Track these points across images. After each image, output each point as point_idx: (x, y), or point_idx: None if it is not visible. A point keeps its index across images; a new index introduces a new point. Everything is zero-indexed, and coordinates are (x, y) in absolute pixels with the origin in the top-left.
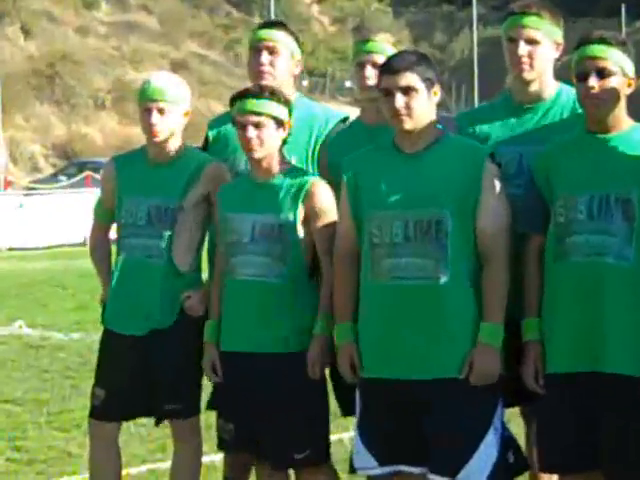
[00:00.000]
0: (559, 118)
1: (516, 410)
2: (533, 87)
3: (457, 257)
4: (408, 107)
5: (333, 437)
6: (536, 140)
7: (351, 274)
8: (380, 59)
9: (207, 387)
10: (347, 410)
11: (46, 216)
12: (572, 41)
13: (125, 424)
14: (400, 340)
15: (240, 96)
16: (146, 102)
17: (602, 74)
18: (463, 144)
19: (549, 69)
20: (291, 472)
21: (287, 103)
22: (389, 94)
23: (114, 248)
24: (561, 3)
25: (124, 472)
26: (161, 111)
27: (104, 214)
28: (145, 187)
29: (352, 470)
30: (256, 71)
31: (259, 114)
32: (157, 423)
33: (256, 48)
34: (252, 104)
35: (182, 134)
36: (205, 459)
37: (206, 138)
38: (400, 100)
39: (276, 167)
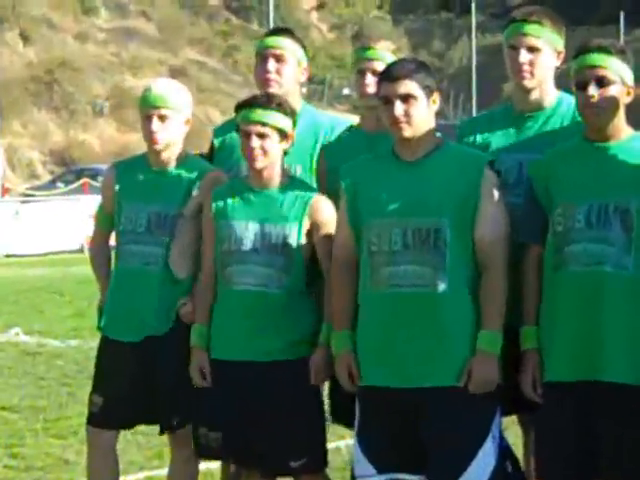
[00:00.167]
0: (559, 126)
1: (513, 418)
2: (534, 95)
3: (455, 265)
4: (407, 115)
5: (330, 445)
6: (536, 148)
7: (349, 282)
8: (380, 67)
9: None
10: (338, 417)
11: (43, 223)
12: (571, 49)
13: (122, 431)
14: (399, 348)
15: (247, 105)
16: (147, 109)
17: (602, 83)
18: (462, 152)
19: (550, 77)
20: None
21: (292, 114)
22: (388, 102)
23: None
24: (560, 11)
25: (121, 479)
26: (162, 118)
27: (105, 220)
28: (145, 194)
29: (353, 478)
30: (263, 79)
31: (264, 125)
32: (161, 432)
33: (263, 55)
34: (258, 114)
35: (183, 141)
36: (202, 466)
37: (211, 145)
38: (399, 108)
39: (277, 178)
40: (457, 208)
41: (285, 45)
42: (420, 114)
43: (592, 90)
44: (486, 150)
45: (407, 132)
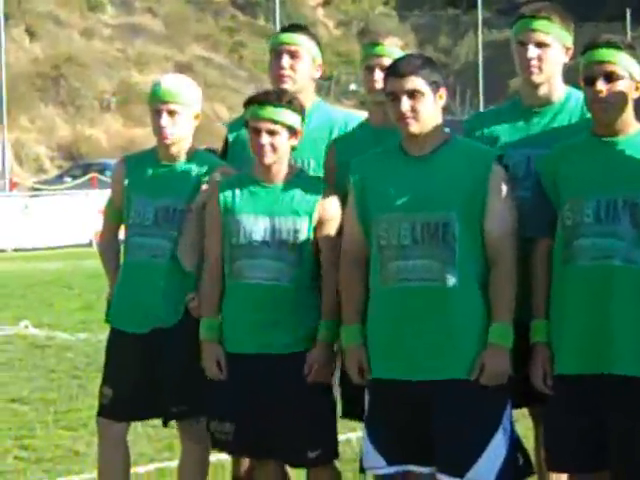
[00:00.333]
0: (567, 122)
1: (523, 411)
2: (542, 90)
3: (464, 259)
4: (414, 110)
5: (341, 437)
6: (544, 143)
7: (358, 276)
8: (388, 62)
9: None
10: (349, 411)
11: (52, 217)
12: (578, 45)
13: (133, 423)
14: (408, 342)
15: (257, 101)
16: (157, 104)
17: (610, 78)
18: (470, 147)
19: (558, 73)
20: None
21: (302, 111)
22: (395, 98)
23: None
24: (567, 8)
25: (132, 471)
26: (172, 113)
27: (114, 214)
28: (154, 188)
29: (362, 470)
30: (277, 75)
31: (275, 122)
32: (165, 424)
33: (277, 52)
34: (269, 111)
35: (192, 136)
36: (212, 458)
37: (225, 140)
38: (406, 103)
39: (283, 172)
40: (465, 202)
41: (300, 41)
42: (427, 110)
43: (600, 85)
44: (494, 145)
45: (414, 127)
